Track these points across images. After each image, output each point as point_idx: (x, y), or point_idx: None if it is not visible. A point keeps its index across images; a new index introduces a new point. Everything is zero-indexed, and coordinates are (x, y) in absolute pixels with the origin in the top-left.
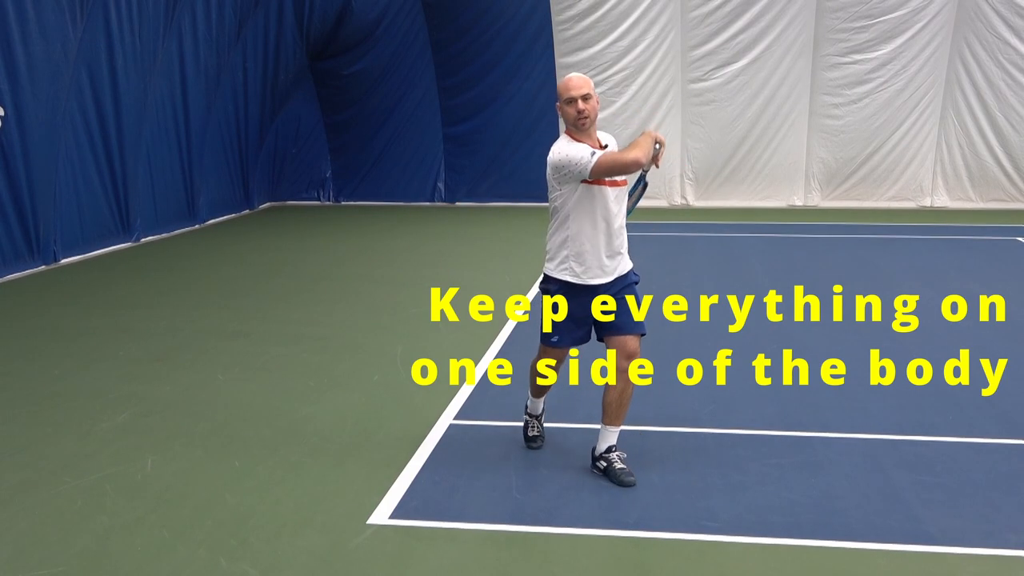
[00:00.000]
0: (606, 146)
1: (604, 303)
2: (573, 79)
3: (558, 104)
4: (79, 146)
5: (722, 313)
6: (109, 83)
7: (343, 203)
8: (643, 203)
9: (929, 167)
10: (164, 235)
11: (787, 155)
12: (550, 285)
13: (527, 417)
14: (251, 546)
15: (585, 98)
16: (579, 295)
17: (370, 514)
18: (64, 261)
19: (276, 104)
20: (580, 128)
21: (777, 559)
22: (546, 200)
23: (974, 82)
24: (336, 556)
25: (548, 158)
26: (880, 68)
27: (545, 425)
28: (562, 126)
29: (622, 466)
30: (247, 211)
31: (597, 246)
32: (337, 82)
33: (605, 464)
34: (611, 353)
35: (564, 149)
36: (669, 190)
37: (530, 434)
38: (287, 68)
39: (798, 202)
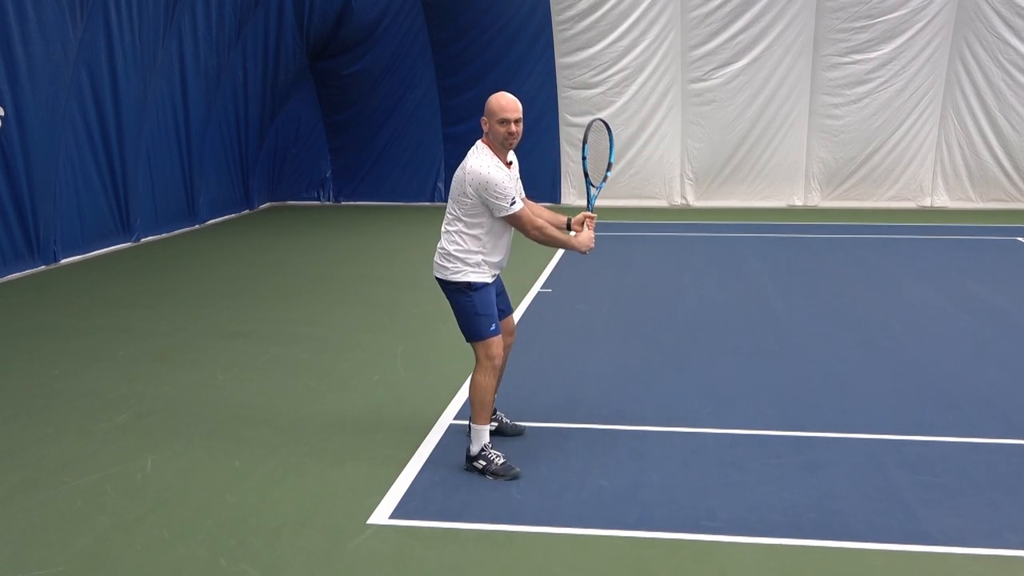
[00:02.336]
0: (511, 163)
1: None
2: (509, 100)
3: (485, 119)
4: (79, 146)
5: (722, 313)
6: (109, 83)
7: (343, 203)
8: (644, 203)
9: (929, 167)
10: (164, 235)
11: (787, 155)
12: (470, 288)
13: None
14: (251, 546)
15: (517, 122)
16: (489, 286)
17: (370, 514)
18: (64, 261)
19: (276, 104)
20: (505, 147)
21: (777, 559)
22: (547, 200)
23: (974, 82)
24: (336, 556)
25: (470, 168)
26: (880, 68)
27: (545, 425)
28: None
29: (504, 459)
30: (247, 211)
31: (504, 255)
32: (337, 82)
33: (484, 463)
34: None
35: (491, 173)
36: (669, 190)
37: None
38: (287, 68)
39: (798, 202)
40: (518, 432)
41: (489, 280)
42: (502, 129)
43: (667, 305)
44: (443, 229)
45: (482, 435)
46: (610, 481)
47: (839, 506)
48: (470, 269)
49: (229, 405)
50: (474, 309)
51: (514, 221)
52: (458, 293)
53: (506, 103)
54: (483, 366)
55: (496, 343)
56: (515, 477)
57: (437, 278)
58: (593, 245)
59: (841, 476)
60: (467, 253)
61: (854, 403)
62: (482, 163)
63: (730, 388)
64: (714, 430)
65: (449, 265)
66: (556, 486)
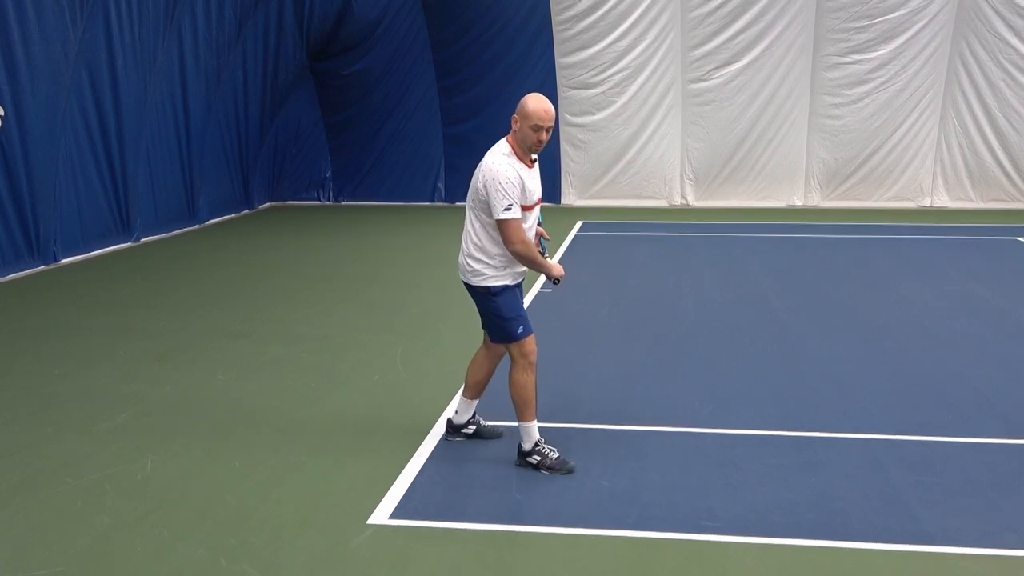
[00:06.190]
0: (535, 160)
1: None
2: (549, 109)
3: (517, 118)
4: (79, 146)
5: (722, 313)
6: (109, 83)
7: (343, 203)
8: (644, 203)
9: (929, 167)
10: (164, 235)
11: (787, 155)
12: (490, 293)
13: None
14: (251, 546)
15: (548, 130)
16: (512, 288)
17: (370, 514)
18: (64, 261)
19: (276, 104)
20: (531, 152)
21: (777, 559)
22: (546, 201)
23: (974, 82)
24: (336, 556)
25: (485, 165)
26: (880, 68)
27: (545, 425)
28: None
29: (558, 454)
30: (247, 211)
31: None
32: (337, 82)
33: (539, 458)
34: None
35: (502, 171)
36: (669, 190)
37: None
38: (287, 68)
39: (798, 202)
40: (495, 435)
41: (511, 282)
42: (533, 136)
43: (667, 305)
44: (464, 230)
45: (532, 431)
46: (610, 481)
47: (839, 506)
48: (491, 273)
49: (229, 405)
50: (499, 312)
51: (503, 227)
52: (481, 297)
53: (545, 111)
54: (518, 364)
55: (529, 342)
56: (570, 471)
57: (462, 280)
58: (564, 274)
59: (841, 476)
60: (487, 256)
61: (854, 403)
62: (497, 160)
63: (730, 388)
64: (714, 430)
65: (470, 268)
66: (556, 486)
